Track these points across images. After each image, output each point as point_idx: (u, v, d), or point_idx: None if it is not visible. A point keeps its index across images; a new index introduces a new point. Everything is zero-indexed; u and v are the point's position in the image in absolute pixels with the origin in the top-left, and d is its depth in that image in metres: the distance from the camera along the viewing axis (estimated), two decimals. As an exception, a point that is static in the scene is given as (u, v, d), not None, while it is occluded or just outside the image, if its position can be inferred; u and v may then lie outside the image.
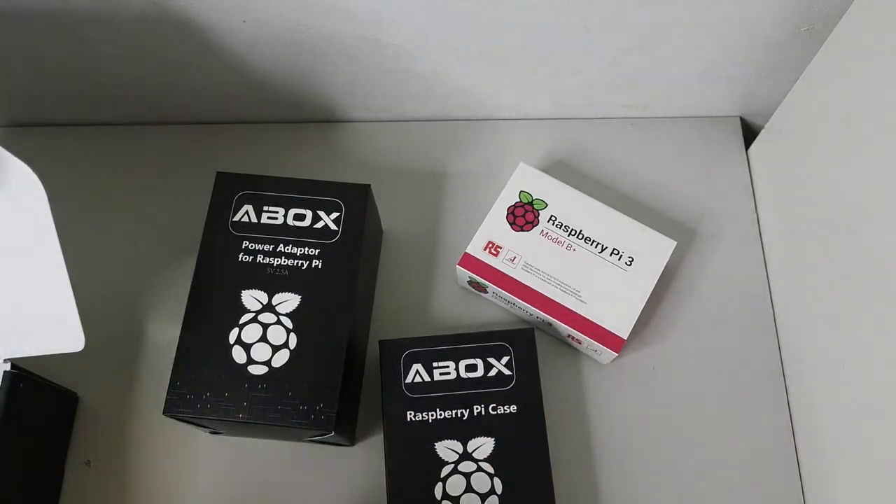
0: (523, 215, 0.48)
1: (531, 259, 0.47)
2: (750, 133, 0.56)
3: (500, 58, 0.49)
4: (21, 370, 0.42)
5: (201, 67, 0.50)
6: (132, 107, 0.55)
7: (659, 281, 0.49)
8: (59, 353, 0.37)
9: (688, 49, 0.48)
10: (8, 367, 0.40)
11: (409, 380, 0.43)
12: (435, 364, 0.44)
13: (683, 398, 0.49)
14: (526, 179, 0.49)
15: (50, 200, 0.49)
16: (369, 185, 0.45)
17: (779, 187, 0.50)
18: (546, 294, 0.47)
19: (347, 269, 0.43)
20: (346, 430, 0.43)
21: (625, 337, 0.46)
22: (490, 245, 0.48)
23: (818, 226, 0.44)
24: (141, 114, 0.56)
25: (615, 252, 0.47)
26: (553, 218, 0.48)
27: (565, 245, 0.48)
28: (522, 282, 0.47)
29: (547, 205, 0.49)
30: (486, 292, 0.49)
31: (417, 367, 0.43)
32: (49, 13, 0.45)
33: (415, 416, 0.42)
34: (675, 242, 0.47)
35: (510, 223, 0.48)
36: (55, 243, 0.38)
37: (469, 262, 0.48)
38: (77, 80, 0.51)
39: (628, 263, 0.47)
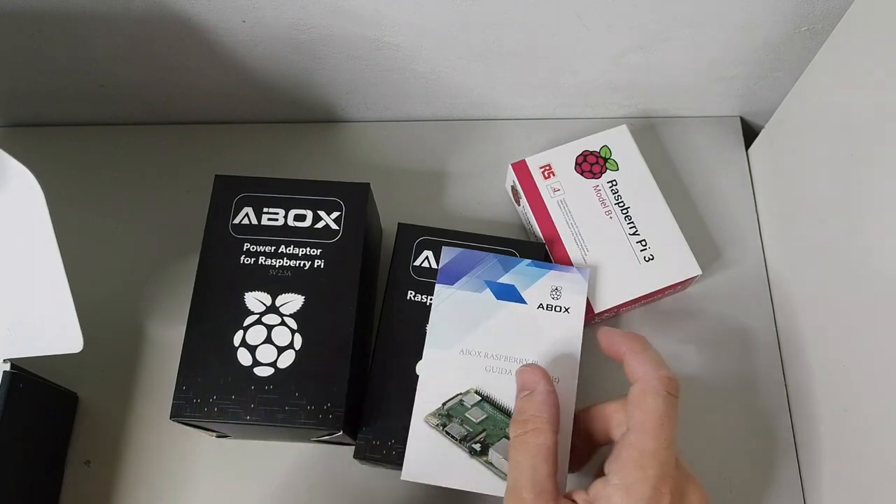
0: (592, 164, 0.50)
1: (570, 200, 0.49)
2: (750, 133, 0.56)
3: (500, 58, 0.49)
4: (21, 370, 0.42)
5: (201, 67, 0.50)
6: (132, 107, 0.55)
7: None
8: (58, 355, 0.38)
9: (688, 49, 0.48)
10: (7, 367, 0.40)
11: (417, 263, 0.46)
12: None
13: (682, 398, 0.49)
14: (616, 139, 0.51)
15: (50, 201, 0.49)
16: (369, 184, 0.45)
17: (779, 187, 0.50)
18: (560, 233, 0.48)
19: (350, 268, 0.43)
20: (352, 428, 0.43)
21: (597, 311, 0.46)
22: (547, 167, 0.49)
23: (818, 225, 0.44)
24: (141, 114, 0.56)
25: (642, 242, 0.48)
26: (614, 182, 0.49)
27: (606, 209, 0.48)
28: (549, 211, 0.48)
29: (618, 169, 0.50)
30: (518, 204, 0.51)
31: (428, 253, 0.46)
32: (49, 13, 0.45)
33: (414, 297, 0.45)
34: (700, 272, 0.47)
35: (577, 163, 0.50)
36: (53, 245, 0.38)
37: (521, 168, 0.50)
38: (77, 80, 0.51)
39: (646, 259, 0.47)
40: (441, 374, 0.43)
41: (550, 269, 0.45)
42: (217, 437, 0.46)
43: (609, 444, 0.38)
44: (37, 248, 0.38)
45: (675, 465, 0.34)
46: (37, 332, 0.38)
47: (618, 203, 0.49)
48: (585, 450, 0.40)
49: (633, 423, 0.35)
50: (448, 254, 0.45)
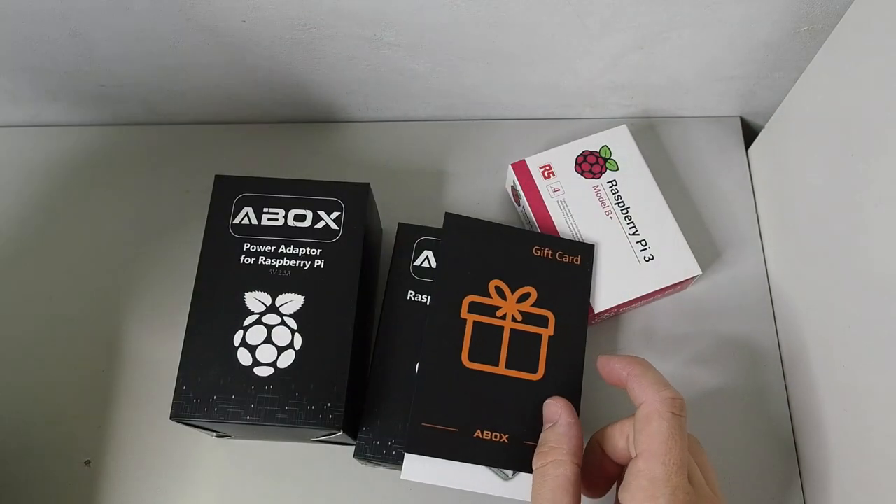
0: (592, 164, 0.50)
1: (570, 201, 0.49)
2: (750, 133, 0.56)
3: (500, 58, 0.49)
4: None
5: (201, 67, 0.50)
6: (132, 107, 0.55)
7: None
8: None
9: (688, 49, 0.48)
10: None
11: (417, 263, 0.46)
12: None
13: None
14: (616, 139, 0.51)
15: (50, 201, 0.49)
16: (369, 184, 0.45)
17: (779, 187, 0.50)
18: (560, 233, 0.48)
19: (350, 268, 0.43)
20: (352, 428, 0.43)
21: (596, 311, 0.46)
22: (547, 167, 0.49)
23: (818, 225, 0.44)
24: (141, 114, 0.56)
25: (642, 242, 0.48)
26: (614, 182, 0.49)
27: (606, 209, 0.48)
28: (549, 211, 0.48)
29: (618, 169, 0.50)
30: (518, 204, 0.51)
31: (428, 253, 0.46)
32: (49, 13, 0.45)
33: (414, 297, 0.45)
34: (700, 272, 0.47)
35: (577, 163, 0.50)
36: None
37: (521, 168, 0.50)
38: (77, 80, 0.51)
39: (646, 259, 0.47)
40: None
41: None
42: (217, 437, 0.46)
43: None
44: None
45: (687, 489, 0.33)
46: None
47: (618, 203, 0.49)
48: (608, 473, 0.39)
49: (640, 448, 0.34)
50: None
